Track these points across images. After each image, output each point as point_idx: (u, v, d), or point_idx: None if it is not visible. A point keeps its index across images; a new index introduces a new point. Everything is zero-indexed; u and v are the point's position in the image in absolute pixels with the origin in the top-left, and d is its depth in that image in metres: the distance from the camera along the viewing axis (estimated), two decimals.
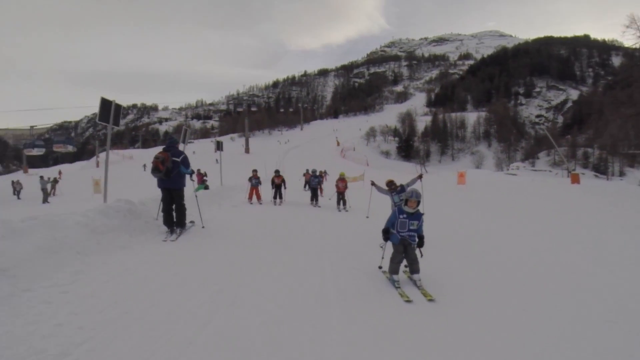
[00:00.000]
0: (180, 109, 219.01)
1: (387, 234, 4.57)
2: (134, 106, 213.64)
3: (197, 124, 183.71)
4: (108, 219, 5.96)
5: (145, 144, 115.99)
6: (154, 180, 6.73)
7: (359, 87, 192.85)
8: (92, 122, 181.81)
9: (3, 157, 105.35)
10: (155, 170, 6.43)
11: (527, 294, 4.17)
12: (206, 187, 16.33)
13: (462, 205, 13.91)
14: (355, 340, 3.02)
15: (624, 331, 3.29)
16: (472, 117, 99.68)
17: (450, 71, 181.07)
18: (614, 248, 6.56)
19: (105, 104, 7.57)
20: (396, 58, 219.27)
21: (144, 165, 41.08)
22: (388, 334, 3.14)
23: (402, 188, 7.43)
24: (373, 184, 8.59)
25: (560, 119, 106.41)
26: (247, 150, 67.39)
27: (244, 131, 74.93)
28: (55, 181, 25.28)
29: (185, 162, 6.81)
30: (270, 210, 11.54)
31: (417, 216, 4.49)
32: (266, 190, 14.02)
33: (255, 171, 13.76)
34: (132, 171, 38.68)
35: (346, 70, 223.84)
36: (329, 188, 16.49)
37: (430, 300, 3.91)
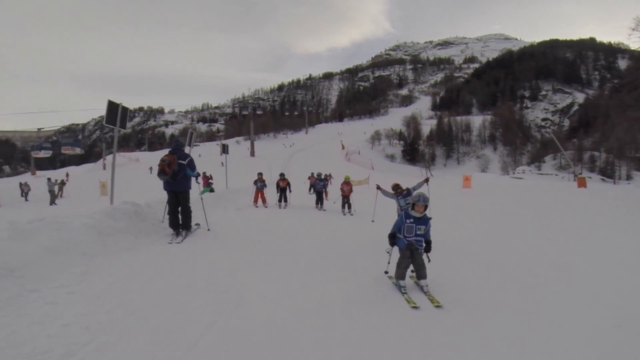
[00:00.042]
0: (187, 112, 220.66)
1: (393, 238, 4.49)
2: (141, 109, 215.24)
3: (203, 127, 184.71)
4: (114, 221, 6.00)
5: (152, 147, 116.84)
6: (160, 183, 6.76)
7: (363, 90, 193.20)
8: (99, 125, 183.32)
9: (11, 159, 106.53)
10: (161, 172, 6.46)
11: (535, 299, 4.10)
12: (212, 190, 16.41)
13: (467, 209, 13.83)
14: (359, 343, 3.01)
15: (631, 336, 3.25)
16: (478, 120, 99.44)
17: (456, 74, 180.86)
18: (621, 252, 6.49)
19: (112, 106, 7.65)
20: (401, 61, 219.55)
21: (150, 168, 41.35)
22: (394, 339, 3.09)
23: (408, 192, 7.38)
24: (379, 187, 8.55)
25: (566, 123, 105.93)
26: (252, 154, 67.63)
27: (249, 134, 75.36)
28: (63, 183, 25.52)
29: (191, 164, 6.84)
30: (275, 214, 11.54)
31: (425, 221, 4.39)
32: (271, 193, 14.03)
33: (260, 174, 13.78)
34: (139, 174, 38.96)
35: (351, 73, 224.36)
36: (333, 191, 16.47)
37: (438, 306, 3.81)
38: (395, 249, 4.53)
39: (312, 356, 2.80)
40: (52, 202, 20.21)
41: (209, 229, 7.37)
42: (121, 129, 7.94)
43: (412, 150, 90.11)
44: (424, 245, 4.41)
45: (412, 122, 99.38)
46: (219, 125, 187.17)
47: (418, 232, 4.38)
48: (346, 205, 12.46)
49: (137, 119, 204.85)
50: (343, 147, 79.76)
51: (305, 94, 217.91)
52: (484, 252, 6.55)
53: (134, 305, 3.46)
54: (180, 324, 3.15)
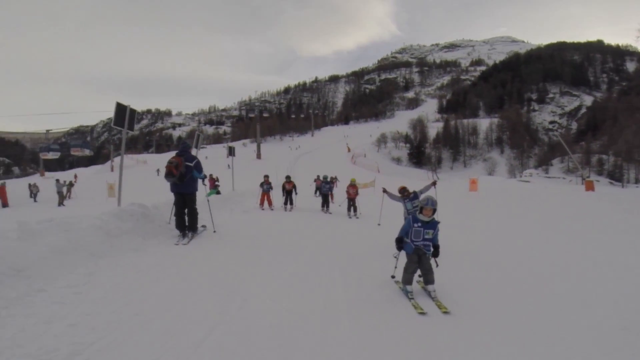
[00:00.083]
0: (194, 114, 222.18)
1: (400, 243, 4.39)
2: (149, 111, 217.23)
3: (209, 130, 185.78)
4: (122, 222, 6.04)
5: (159, 149, 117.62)
6: (167, 185, 6.80)
7: (369, 93, 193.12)
8: (108, 127, 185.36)
9: (20, 160, 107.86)
10: (169, 174, 6.50)
11: (544, 305, 4.02)
12: (218, 192, 16.45)
13: (474, 212, 13.74)
14: (364, 347, 2.98)
15: (638, 339, 3.23)
16: (485, 123, 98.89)
17: (462, 77, 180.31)
18: (630, 256, 6.41)
19: (121, 108, 7.71)
20: (407, 64, 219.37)
21: (158, 170, 41.61)
22: (400, 346, 3.04)
23: (415, 195, 7.34)
24: (385, 191, 8.52)
25: (574, 125, 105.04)
26: (258, 156, 67.81)
27: (255, 137, 75.65)
28: (71, 184, 25.78)
29: (198, 166, 6.87)
30: (281, 216, 11.55)
31: (433, 225, 4.28)
32: (277, 195, 14.05)
33: (266, 177, 13.82)
34: (146, 175, 39.25)
35: (357, 76, 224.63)
36: (339, 194, 16.46)
37: (445, 312, 3.69)
38: (403, 253, 4.45)
39: (316, 357, 2.79)
40: (61, 203, 20.40)
41: (215, 231, 7.40)
42: (129, 131, 7.99)
43: (419, 153, 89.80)
44: (431, 249, 4.32)
45: (419, 125, 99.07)
46: (225, 128, 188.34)
47: (426, 237, 4.27)
48: (352, 208, 12.44)
49: (145, 121, 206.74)
50: (349, 150, 79.69)
51: (311, 97, 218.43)
52: (494, 257, 6.48)
53: (140, 306, 3.47)
54: (185, 324, 3.15)
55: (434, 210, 4.26)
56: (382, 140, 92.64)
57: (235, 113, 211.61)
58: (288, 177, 14.04)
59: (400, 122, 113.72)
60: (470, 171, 72.16)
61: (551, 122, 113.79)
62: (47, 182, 32.88)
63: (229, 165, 20.85)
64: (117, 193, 8.28)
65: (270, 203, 13.34)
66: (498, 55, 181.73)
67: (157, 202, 8.19)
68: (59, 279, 3.89)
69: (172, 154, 7.64)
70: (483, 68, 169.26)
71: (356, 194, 12.73)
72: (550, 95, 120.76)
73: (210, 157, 54.78)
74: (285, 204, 13.37)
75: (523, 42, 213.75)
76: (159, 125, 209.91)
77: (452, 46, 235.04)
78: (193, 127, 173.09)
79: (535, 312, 3.77)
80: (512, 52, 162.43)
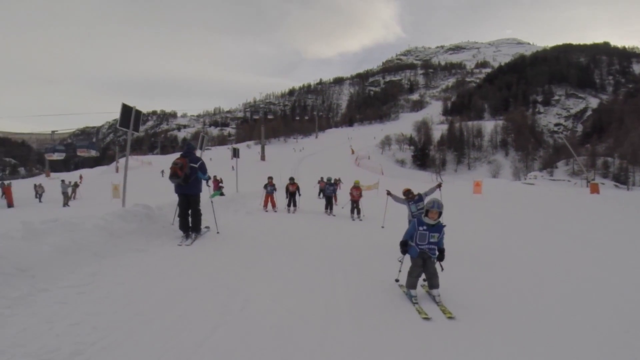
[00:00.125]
0: (199, 116, 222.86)
1: (405, 246, 4.31)
2: (154, 113, 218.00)
3: (214, 131, 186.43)
4: (126, 223, 6.07)
5: (164, 150, 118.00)
6: (171, 186, 6.81)
7: (374, 95, 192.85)
8: (113, 128, 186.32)
9: (26, 161, 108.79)
10: (173, 176, 6.51)
11: (549, 309, 3.99)
12: (222, 194, 16.49)
13: (478, 215, 13.68)
14: (366, 348, 2.97)
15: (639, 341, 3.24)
16: (489, 125, 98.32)
17: (467, 79, 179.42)
18: (634, 259, 6.36)
19: (126, 110, 7.74)
20: (412, 66, 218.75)
21: (162, 171, 41.75)
22: (403, 351, 2.99)
23: (420, 197, 7.30)
24: (389, 193, 8.49)
25: (579, 128, 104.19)
26: (262, 158, 67.88)
27: (260, 139, 75.64)
28: (76, 185, 25.96)
29: (203, 168, 6.89)
30: (284, 218, 11.55)
31: (438, 228, 4.22)
32: (281, 197, 14.05)
33: (270, 178, 13.83)
34: (151, 176, 39.41)
35: (361, 78, 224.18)
36: (342, 196, 16.44)
37: (450, 317, 3.62)
38: (407, 257, 4.38)
39: (318, 358, 2.78)
40: (65, 203, 20.53)
41: (218, 232, 7.41)
42: (134, 132, 8.03)
43: (423, 155, 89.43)
44: (437, 253, 4.26)
45: (423, 127, 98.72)
46: (230, 130, 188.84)
47: (431, 240, 4.21)
48: (355, 211, 12.41)
49: (150, 123, 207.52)
50: (353, 152, 79.63)
51: (315, 99, 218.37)
52: (496, 259, 6.46)
53: (142, 306, 3.48)
54: (187, 324, 3.16)
55: (440, 213, 4.18)
56: (386, 142, 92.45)
57: (240, 115, 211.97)
58: (292, 179, 14.04)
59: (404, 124, 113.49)
60: (474, 173, 71.77)
61: (556, 125, 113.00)
62: (52, 182, 33.10)
63: (233, 167, 20.86)
64: (122, 194, 8.32)
65: (273, 205, 13.34)
66: (503, 57, 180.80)
67: (161, 203, 8.22)
68: (62, 278, 3.91)
69: (177, 155, 7.66)
70: (488, 70, 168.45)
71: (360, 196, 12.70)
72: (556, 98, 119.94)
73: (215, 159, 54.85)
74: (289, 205, 13.36)
75: (529, 44, 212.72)
76: (164, 126, 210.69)
77: (457, 48, 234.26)
78: (198, 129, 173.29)
79: (540, 317, 3.73)
80: (518, 54, 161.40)
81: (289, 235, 8.28)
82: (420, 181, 41.05)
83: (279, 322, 3.35)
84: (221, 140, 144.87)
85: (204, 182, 7.10)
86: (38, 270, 3.87)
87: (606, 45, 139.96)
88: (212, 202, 8.44)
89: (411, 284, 4.15)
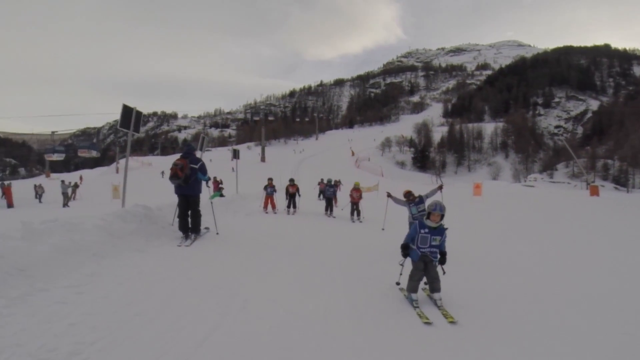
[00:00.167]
0: (199, 117, 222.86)
1: (406, 249, 4.24)
2: (155, 114, 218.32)
3: (215, 132, 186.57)
4: (125, 223, 6.07)
5: (164, 152, 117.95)
6: (171, 187, 6.81)
7: (374, 97, 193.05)
8: (114, 129, 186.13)
9: (27, 161, 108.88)
10: (174, 177, 6.51)
11: (552, 312, 3.96)
12: (222, 195, 16.50)
13: (478, 217, 13.68)
14: (365, 347, 2.97)
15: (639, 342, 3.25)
16: (490, 127, 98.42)
17: (468, 81, 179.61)
18: (633, 261, 6.36)
19: (127, 111, 7.75)
20: (413, 68, 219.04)
21: (162, 172, 41.76)
22: (405, 356, 2.94)
23: (421, 199, 7.27)
24: (389, 195, 8.48)
25: (579, 130, 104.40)
26: (263, 159, 67.94)
27: (260, 140, 75.71)
28: (76, 186, 25.95)
29: (203, 169, 6.90)
30: (284, 220, 11.55)
31: (440, 231, 4.14)
32: (281, 199, 14.05)
33: (270, 180, 13.83)
34: (151, 177, 39.44)
35: (362, 80, 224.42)
36: (342, 198, 16.43)
37: (452, 322, 3.54)
38: (408, 260, 4.29)
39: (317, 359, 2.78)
40: (65, 204, 20.55)
41: (217, 233, 7.41)
42: (135, 133, 8.04)
43: (423, 157, 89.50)
44: (438, 256, 4.19)
45: (423, 129, 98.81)
46: (230, 131, 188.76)
47: (433, 243, 4.14)
48: (355, 212, 12.40)
49: (150, 124, 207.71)
50: (353, 154, 79.67)
51: (316, 100, 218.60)
52: (497, 262, 6.46)
53: (141, 306, 3.48)
54: (186, 325, 3.15)
55: (442, 216, 4.11)
56: (386, 144, 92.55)
57: (241, 116, 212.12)
58: (292, 180, 14.05)
59: (405, 126, 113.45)
60: (474, 175, 71.78)
61: (557, 127, 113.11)
62: (52, 183, 33.10)
63: (233, 168, 20.88)
64: (122, 194, 8.32)
65: (273, 206, 13.34)
66: (504, 60, 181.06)
67: (160, 203, 8.23)
68: (61, 278, 3.90)
69: (177, 156, 7.67)
70: (489, 72, 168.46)
71: (360, 197, 12.70)
72: (556, 100, 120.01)
73: (215, 160, 54.83)
74: (289, 207, 13.37)
75: (529, 46, 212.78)
76: (165, 127, 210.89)
77: (458, 50, 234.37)
78: (198, 130, 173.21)
79: (541, 321, 3.70)
80: (519, 56, 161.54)
81: (288, 237, 8.28)
82: (420, 183, 41.05)
83: (278, 323, 3.35)
84: (221, 142, 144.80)
85: (203, 183, 7.10)
86: (37, 270, 3.86)
87: (607, 47, 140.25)
88: (211, 203, 8.45)
89: (412, 287, 4.07)
